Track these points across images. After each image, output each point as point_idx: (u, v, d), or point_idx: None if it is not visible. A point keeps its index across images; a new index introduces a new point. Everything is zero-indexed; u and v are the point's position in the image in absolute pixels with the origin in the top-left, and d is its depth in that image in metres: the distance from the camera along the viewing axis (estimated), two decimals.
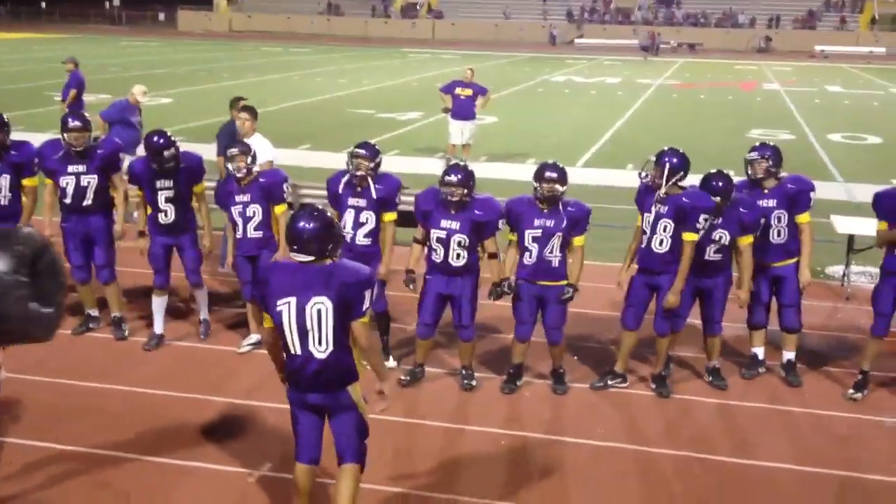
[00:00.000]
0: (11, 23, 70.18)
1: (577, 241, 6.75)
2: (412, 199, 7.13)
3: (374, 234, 7.13)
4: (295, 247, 4.60)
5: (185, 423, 6.28)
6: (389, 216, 7.11)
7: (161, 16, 74.11)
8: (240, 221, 7.29)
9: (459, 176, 6.57)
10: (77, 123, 7.41)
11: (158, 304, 7.68)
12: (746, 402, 6.91)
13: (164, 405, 6.57)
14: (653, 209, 6.71)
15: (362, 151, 7.04)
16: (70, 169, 7.45)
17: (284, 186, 7.39)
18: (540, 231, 6.67)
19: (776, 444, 6.27)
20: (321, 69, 36.49)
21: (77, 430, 6.12)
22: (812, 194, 7.18)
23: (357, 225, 7.10)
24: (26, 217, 7.54)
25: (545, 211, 6.67)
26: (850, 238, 9.55)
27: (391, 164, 16.14)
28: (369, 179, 7.01)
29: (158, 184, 7.39)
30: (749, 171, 7.15)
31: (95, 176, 7.49)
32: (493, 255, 6.80)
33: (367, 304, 4.63)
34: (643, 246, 6.81)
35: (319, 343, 4.61)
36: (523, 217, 6.72)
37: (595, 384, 7.05)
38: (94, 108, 14.64)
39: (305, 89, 28.51)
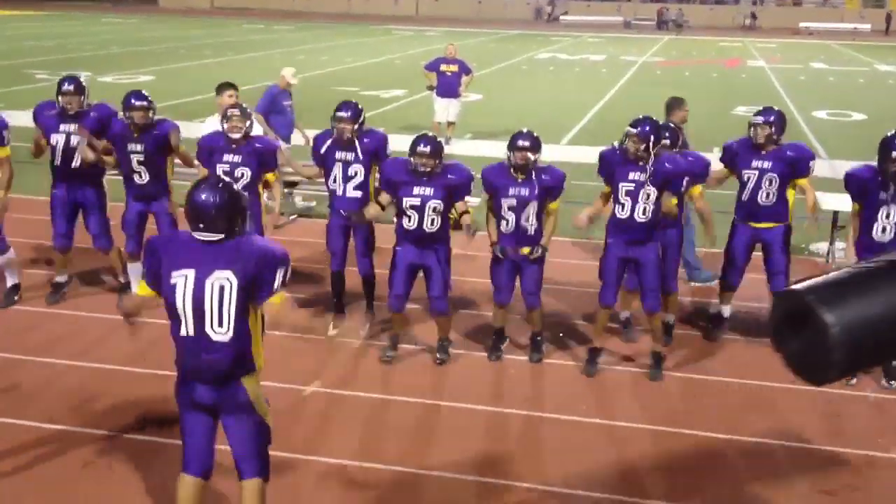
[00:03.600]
0: None
1: (552, 206, 6.79)
2: None
3: (364, 186, 7.16)
4: (200, 224, 4.03)
5: (164, 400, 6.22)
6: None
7: None
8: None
9: (431, 146, 6.57)
10: (70, 87, 7.57)
11: (133, 269, 7.80)
12: (732, 378, 6.91)
13: (140, 382, 6.51)
14: (632, 177, 6.54)
15: (344, 115, 7.09)
16: (62, 128, 7.59)
17: (278, 154, 7.42)
18: (515, 200, 6.69)
19: (760, 419, 6.28)
20: (304, 46, 36.21)
21: (53, 407, 6.06)
22: (812, 163, 7.17)
23: (346, 178, 7.18)
24: (3, 187, 7.47)
25: (519, 180, 6.67)
26: (835, 214, 9.54)
27: None
28: (355, 140, 7.09)
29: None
30: (751, 134, 7.16)
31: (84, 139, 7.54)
32: (466, 213, 6.78)
33: (277, 284, 4.08)
34: (623, 217, 6.62)
35: (220, 324, 4.03)
36: (498, 186, 6.73)
37: (589, 371, 6.95)
38: None
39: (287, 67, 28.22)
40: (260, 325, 4.24)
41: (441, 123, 15.63)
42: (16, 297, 7.91)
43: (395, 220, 6.85)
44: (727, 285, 7.51)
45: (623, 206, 6.61)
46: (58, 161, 7.67)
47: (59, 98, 7.60)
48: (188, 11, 62.15)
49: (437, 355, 7.00)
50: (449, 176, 6.64)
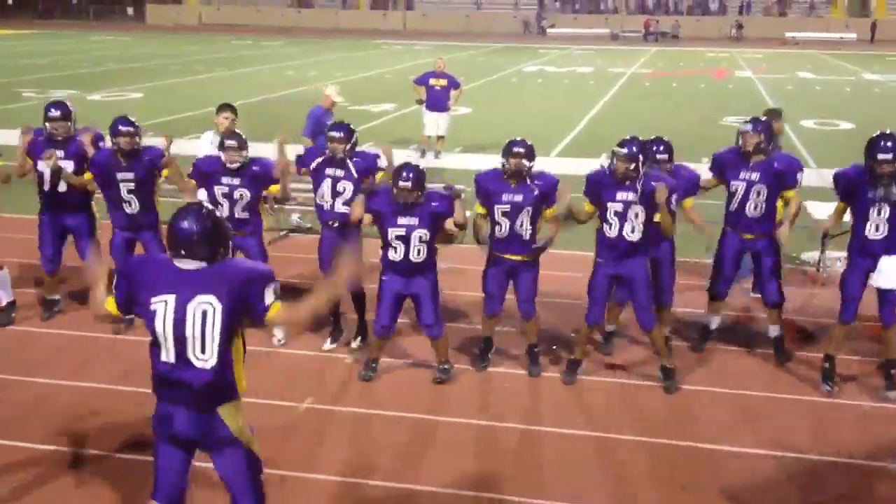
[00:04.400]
0: None
1: (549, 212, 6.81)
2: None
3: (352, 202, 7.14)
4: (182, 252, 3.92)
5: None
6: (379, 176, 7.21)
7: (129, 10, 73.35)
8: (225, 203, 7.26)
9: (412, 179, 6.48)
10: (56, 113, 7.55)
11: None
12: (730, 388, 6.91)
13: (132, 400, 6.46)
14: (620, 197, 6.59)
15: (337, 134, 7.17)
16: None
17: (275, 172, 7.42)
18: (509, 206, 6.72)
19: (753, 430, 6.28)
20: (292, 62, 36.25)
21: (46, 428, 6.03)
22: (799, 175, 7.19)
23: (335, 194, 7.21)
24: None
25: (513, 186, 6.69)
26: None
27: None
28: (347, 160, 7.16)
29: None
30: (740, 142, 7.17)
31: (72, 163, 7.58)
32: (460, 227, 6.72)
33: (270, 297, 3.98)
34: (612, 236, 6.67)
35: (202, 351, 3.90)
36: (492, 193, 6.76)
37: (567, 379, 6.99)
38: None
39: (277, 82, 28.30)
40: (242, 349, 4.12)
41: (431, 137, 15.66)
42: (13, 315, 7.87)
43: (380, 250, 6.81)
44: (715, 294, 7.53)
45: (611, 225, 6.64)
46: (46, 187, 7.63)
47: (47, 125, 7.57)
48: (177, 28, 62.16)
49: (437, 375, 6.96)
50: (433, 203, 6.61)
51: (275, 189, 7.41)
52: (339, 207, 7.22)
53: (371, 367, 6.99)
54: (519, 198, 6.71)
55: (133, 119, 7.45)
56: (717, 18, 61.09)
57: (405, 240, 6.58)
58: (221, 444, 4.03)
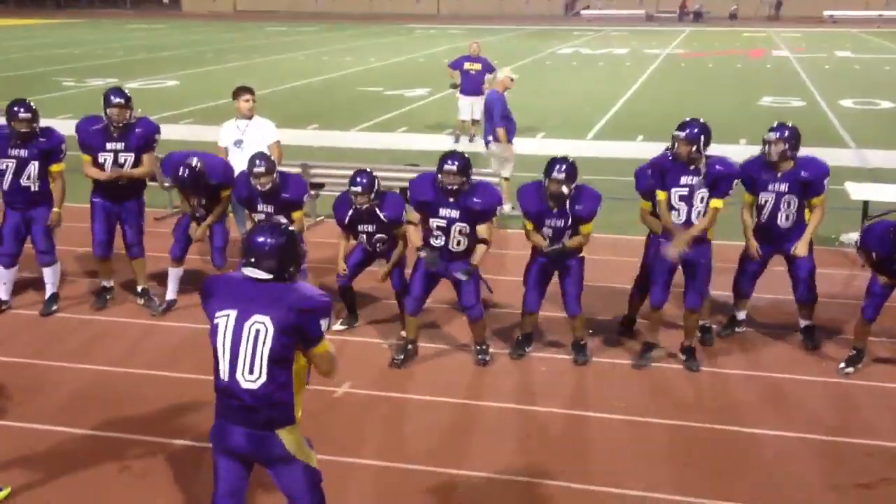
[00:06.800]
0: (16, 10, 70.01)
1: (585, 228, 6.77)
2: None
3: (388, 242, 7.27)
4: (252, 260, 3.98)
5: (195, 404, 6.31)
6: (402, 228, 7.20)
7: None
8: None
9: (458, 164, 6.50)
10: (119, 100, 7.58)
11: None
12: (763, 371, 6.89)
13: (172, 386, 6.59)
14: (684, 181, 6.60)
15: (359, 189, 7.04)
16: (108, 146, 7.65)
17: (305, 198, 7.54)
18: (551, 230, 6.73)
19: (791, 413, 6.26)
20: (327, 48, 36.34)
21: (89, 413, 6.15)
22: (826, 181, 7.02)
23: (373, 244, 7.31)
24: (58, 202, 7.76)
25: (554, 210, 6.67)
26: (865, 204, 9.47)
27: (400, 141, 16.19)
28: (375, 209, 7.12)
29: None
30: (766, 150, 6.98)
31: (132, 154, 7.69)
32: (483, 241, 6.74)
33: (320, 334, 3.97)
34: (680, 223, 6.67)
35: (250, 371, 3.91)
36: (535, 216, 6.75)
37: (641, 362, 6.98)
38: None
39: (312, 68, 28.40)
40: (302, 379, 4.10)
41: (465, 122, 15.64)
42: (54, 307, 8.00)
43: (410, 225, 6.91)
44: (741, 293, 7.46)
45: (679, 211, 6.65)
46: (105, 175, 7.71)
47: (107, 111, 7.59)
48: (212, 16, 62.49)
49: (478, 357, 6.99)
50: (475, 199, 6.60)
51: (297, 216, 7.38)
52: (380, 247, 7.33)
53: (406, 350, 7.02)
54: (560, 223, 6.68)
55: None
56: None
57: (446, 231, 6.64)
58: (278, 461, 4.04)
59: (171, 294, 8.04)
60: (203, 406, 6.25)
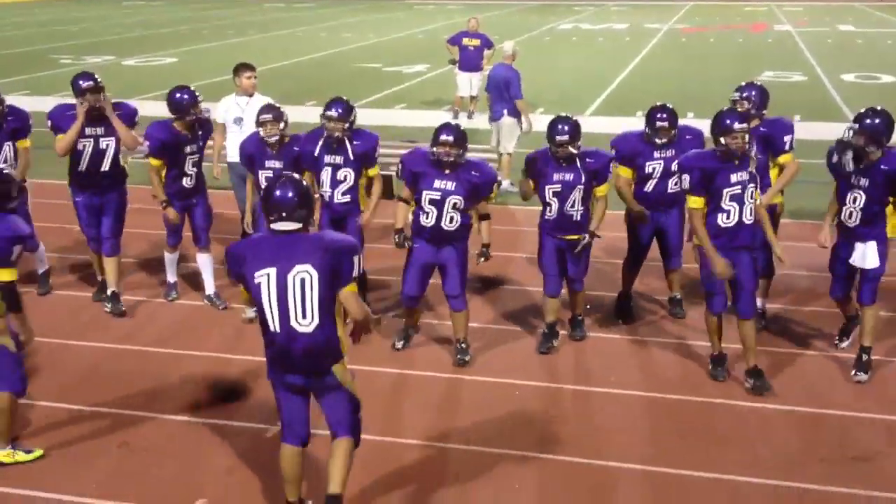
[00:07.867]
0: None
1: (599, 190, 6.63)
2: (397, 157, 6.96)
3: (353, 191, 6.99)
4: (283, 214, 4.28)
5: (197, 380, 6.33)
6: (373, 171, 7.02)
7: None
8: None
9: (455, 135, 6.33)
10: (90, 83, 7.18)
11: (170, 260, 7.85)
12: (763, 346, 6.89)
13: (175, 363, 6.61)
14: (735, 179, 6.03)
15: (334, 114, 6.80)
16: (88, 132, 7.24)
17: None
18: (559, 186, 6.54)
19: (792, 388, 6.27)
20: (325, 24, 36.15)
21: (94, 390, 6.18)
22: (787, 137, 6.74)
23: (335, 183, 6.96)
24: (21, 173, 7.23)
25: (564, 165, 6.53)
26: None
27: (398, 117, 16.13)
28: (346, 140, 6.86)
29: (188, 148, 7.36)
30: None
31: (113, 139, 7.30)
32: (485, 217, 6.62)
33: (355, 270, 4.34)
34: (730, 225, 6.08)
35: (304, 316, 4.27)
36: (542, 172, 6.58)
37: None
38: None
39: (310, 45, 28.26)
40: (343, 315, 4.48)
41: (464, 98, 15.59)
42: (50, 282, 7.99)
43: (399, 201, 6.69)
44: (763, 274, 7.28)
45: (728, 213, 6.06)
46: (83, 166, 7.31)
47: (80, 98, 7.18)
48: None
49: (457, 356, 6.66)
50: (473, 173, 6.41)
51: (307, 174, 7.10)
52: (339, 197, 6.98)
53: (406, 335, 6.95)
54: (570, 177, 6.50)
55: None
56: None
57: (439, 204, 6.39)
58: (328, 390, 4.47)
59: (171, 277, 7.85)
60: (198, 382, 6.30)
